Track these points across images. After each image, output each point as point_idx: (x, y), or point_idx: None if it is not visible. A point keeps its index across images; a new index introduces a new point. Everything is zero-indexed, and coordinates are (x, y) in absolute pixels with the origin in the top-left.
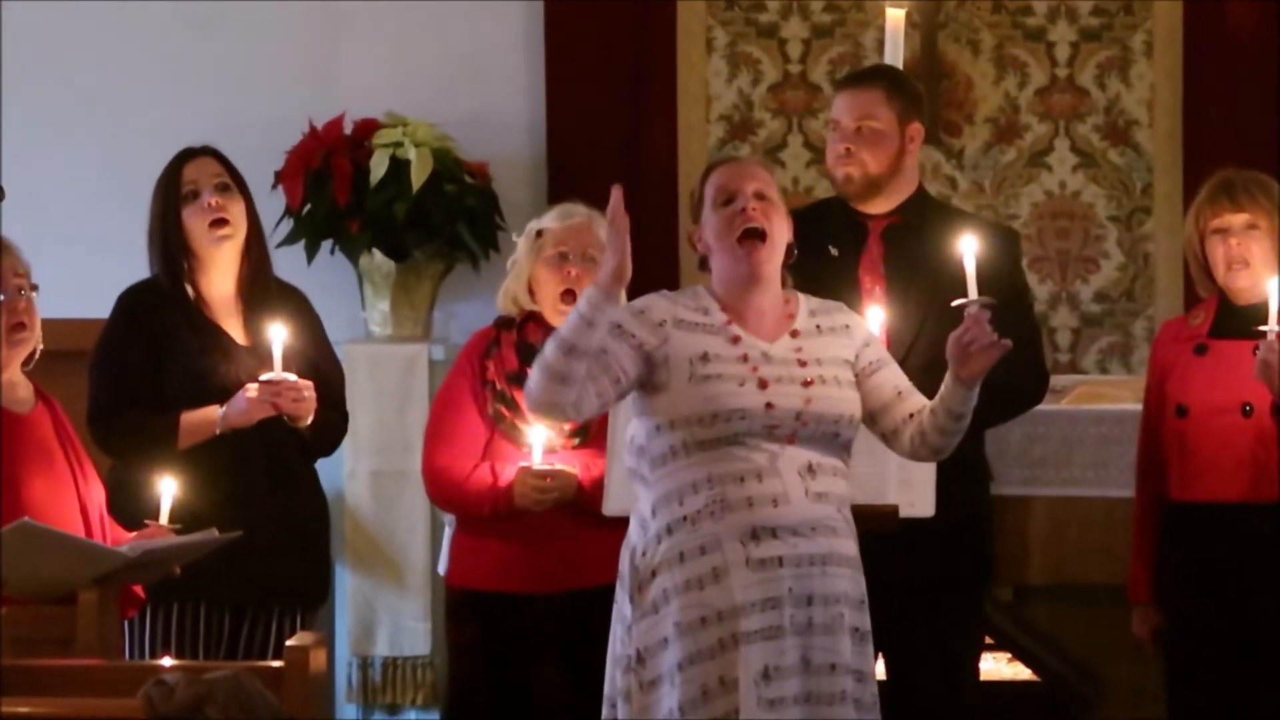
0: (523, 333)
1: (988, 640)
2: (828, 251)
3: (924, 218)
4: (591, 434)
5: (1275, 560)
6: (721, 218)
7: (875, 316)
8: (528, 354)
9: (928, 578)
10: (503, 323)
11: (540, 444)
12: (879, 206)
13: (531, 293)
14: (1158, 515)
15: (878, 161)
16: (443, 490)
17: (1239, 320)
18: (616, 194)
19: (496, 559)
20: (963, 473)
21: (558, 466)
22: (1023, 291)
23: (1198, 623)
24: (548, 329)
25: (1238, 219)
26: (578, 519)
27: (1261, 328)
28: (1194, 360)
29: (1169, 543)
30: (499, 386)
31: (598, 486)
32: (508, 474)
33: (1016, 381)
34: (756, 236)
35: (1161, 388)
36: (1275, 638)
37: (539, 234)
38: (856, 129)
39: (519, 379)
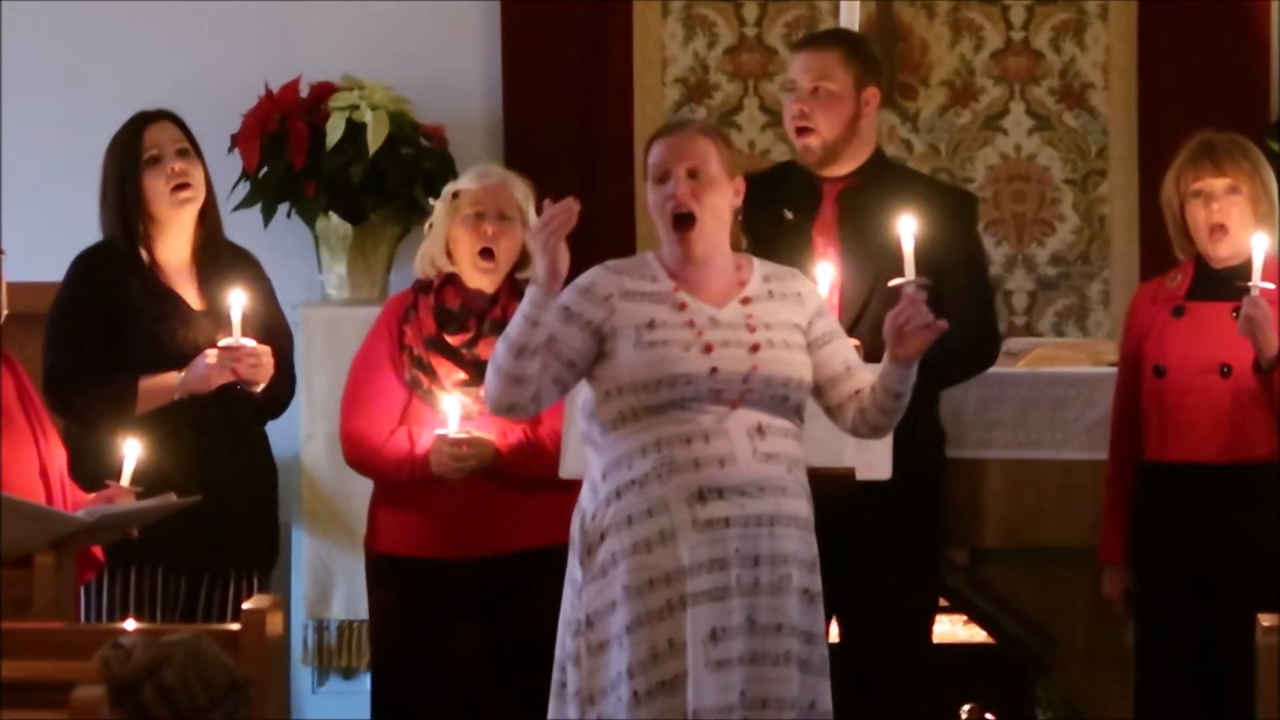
0: (440, 296)
1: (943, 603)
2: (783, 214)
3: (880, 180)
4: None
5: (1251, 520)
6: (655, 197)
7: (825, 274)
8: (445, 318)
9: (881, 541)
10: (420, 286)
11: (456, 411)
12: (836, 170)
13: (450, 255)
14: (1132, 476)
15: (832, 125)
16: (360, 455)
17: (1217, 282)
18: (554, 209)
19: (415, 525)
20: (916, 435)
21: (474, 434)
22: (978, 254)
23: (1171, 583)
24: (465, 291)
25: (1219, 183)
26: (495, 485)
27: (1246, 284)
28: (1172, 321)
29: (1144, 503)
30: (416, 352)
31: (514, 453)
32: (424, 441)
33: (970, 344)
34: (685, 223)
35: (1138, 349)
36: (1249, 598)
37: (455, 195)
38: (813, 89)
39: (436, 344)
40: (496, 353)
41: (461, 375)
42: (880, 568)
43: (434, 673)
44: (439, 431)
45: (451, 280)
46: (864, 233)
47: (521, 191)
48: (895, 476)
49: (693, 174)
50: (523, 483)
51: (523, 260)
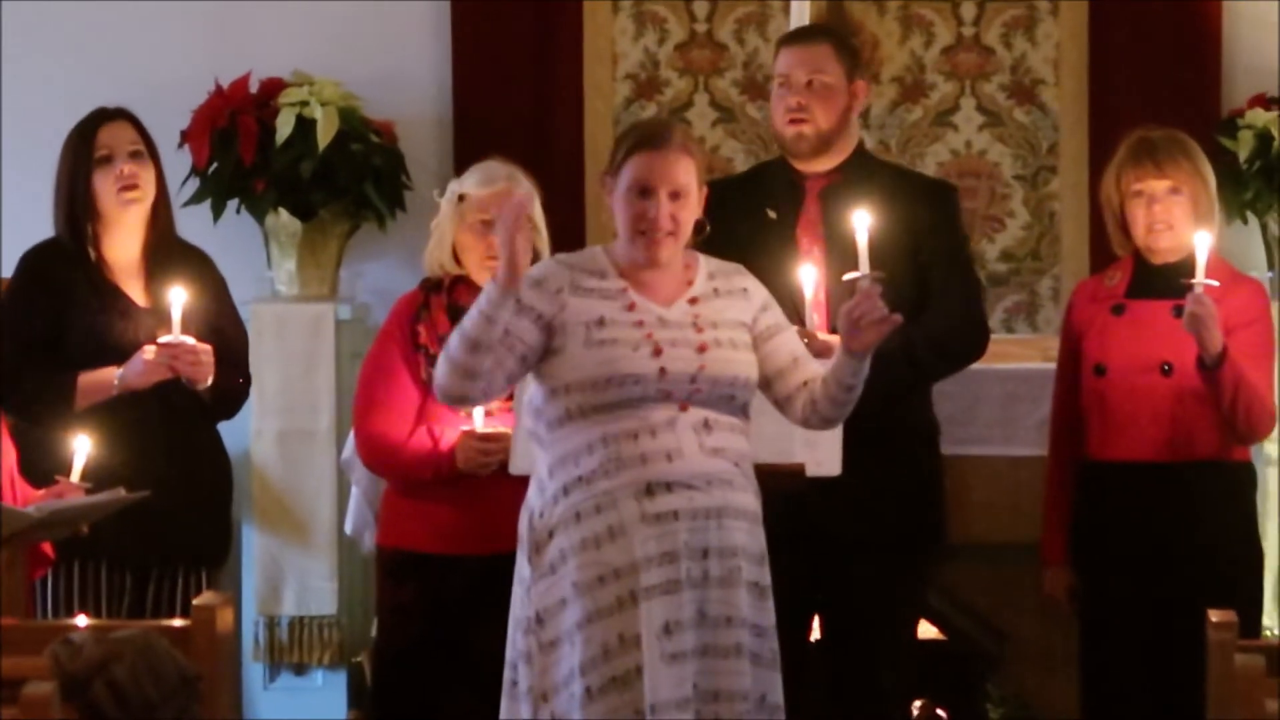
0: (453, 295)
1: None
2: (765, 214)
3: (862, 176)
4: None
5: (1194, 518)
6: (633, 209)
7: (809, 275)
8: (459, 316)
9: (875, 537)
10: (430, 285)
11: (481, 407)
12: (821, 165)
13: (455, 257)
14: (1072, 475)
15: (828, 116)
16: (381, 456)
17: (1156, 280)
18: (509, 205)
19: (436, 521)
20: (913, 434)
21: (500, 429)
22: (961, 246)
23: (1114, 582)
24: (477, 291)
25: (1160, 184)
26: (517, 481)
27: (1189, 281)
28: (1111, 320)
29: (1086, 502)
30: (432, 350)
31: None
32: (448, 437)
33: (957, 337)
34: (660, 246)
35: (1078, 347)
36: (1191, 597)
37: (461, 198)
38: (808, 82)
39: None
40: (450, 345)
41: None
42: (873, 563)
43: (455, 668)
44: (464, 428)
45: (463, 279)
46: (847, 230)
47: (526, 190)
48: (891, 472)
49: (675, 196)
50: None
51: (532, 262)
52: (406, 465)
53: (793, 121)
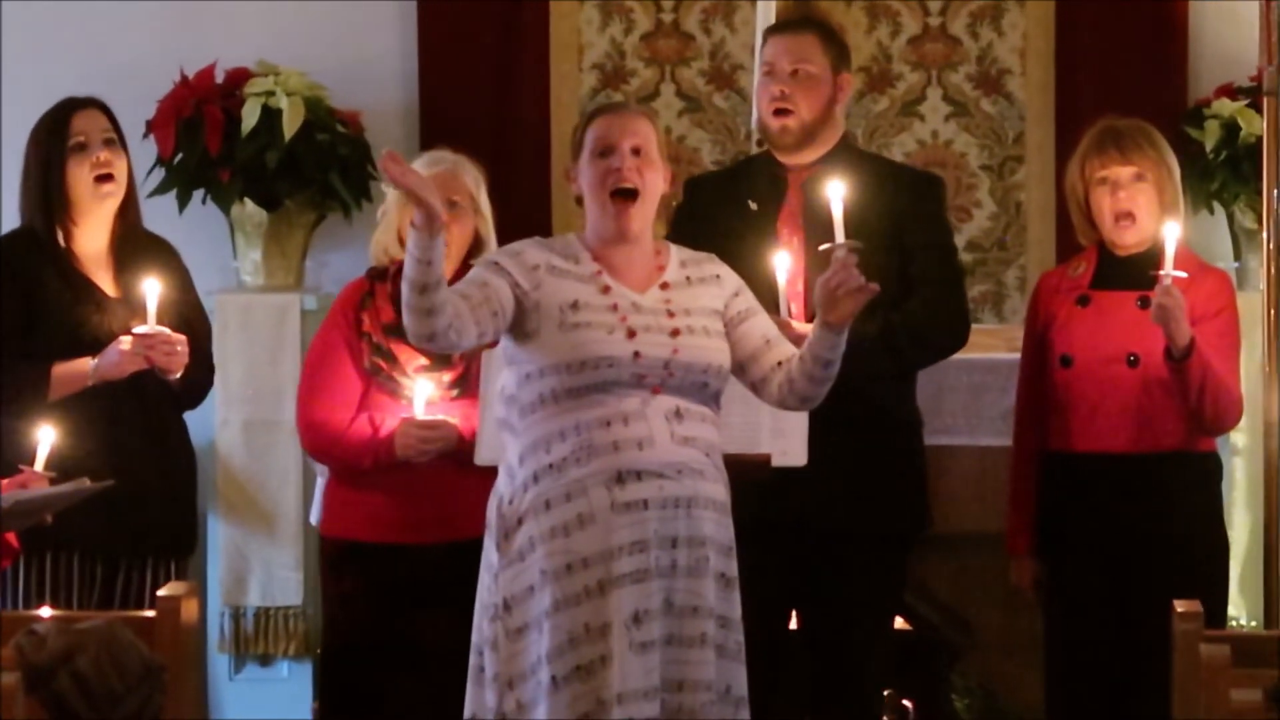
0: (397, 284)
1: None
2: (747, 205)
3: (845, 167)
4: (470, 385)
5: (1158, 510)
6: (596, 170)
7: (783, 262)
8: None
9: (858, 528)
10: (375, 274)
11: (423, 396)
12: (804, 157)
13: (402, 242)
14: (1038, 466)
15: (812, 107)
16: (321, 443)
17: (1121, 271)
18: (385, 161)
19: (377, 510)
20: (897, 425)
21: (440, 418)
22: (945, 237)
23: (1079, 573)
24: None
25: (1125, 171)
26: (459, 469)
27: (1157, 273)
28: (1077, 311)
29: (1051, 493)
30: (375, 339)
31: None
32: (388, 425)
33: (940, 327)
34: (627, 196)
35: (1043, 338)
36: (1157, 587)
37: None
38: (793, 71)
39: (396, 330)
40: (403, 294)
41: (423, 361)
42: (860, 554)
43: (401, 657)
44: (405, 415)
45: None
46: (829, 221)
47: (472, 177)
48: (875, 463)
49: (636, 151)
50: (484, 467)
51: (476, 246)
52: (346, 452)
53: (777, 113)
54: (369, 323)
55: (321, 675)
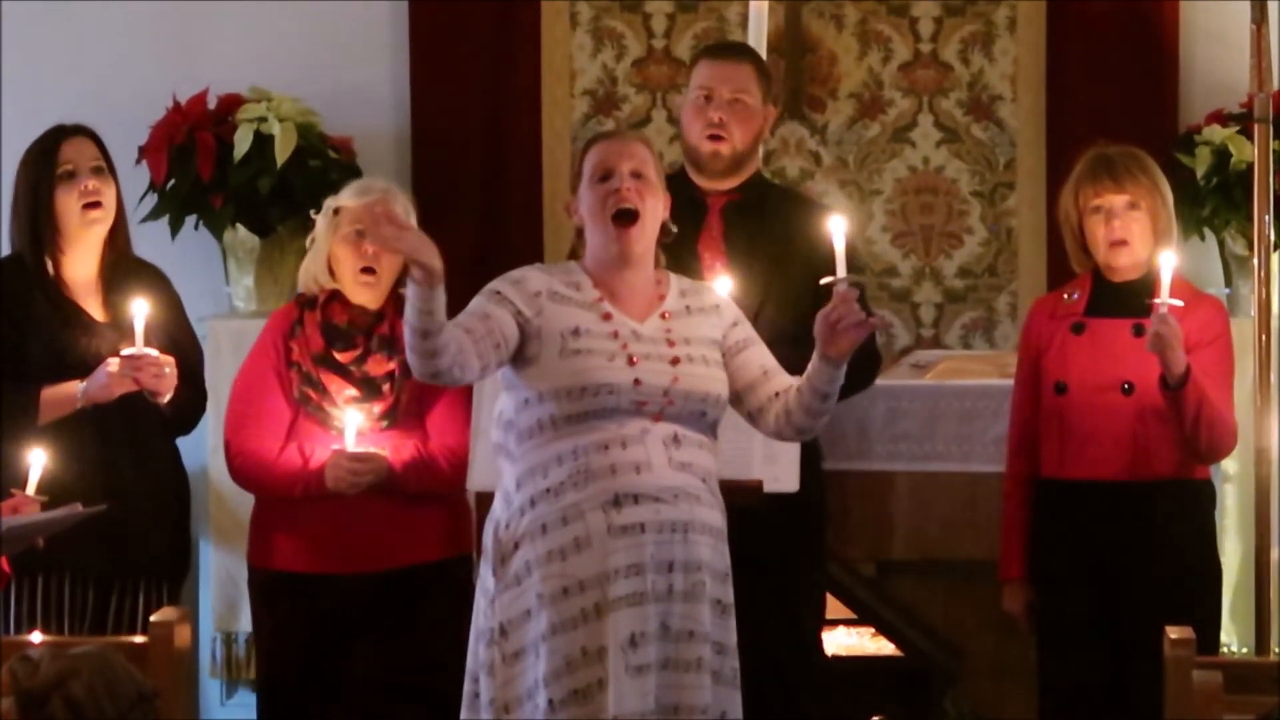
0: (327, 312)
1: (850, 615)
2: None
3: (763, 198)
4: (399, 416)
5: (1152, 537)
6: (597, 194)
7: (724, 287)
8: (332, 334)
9: (763, 556)
10: (305, 301)
11: (353, 427)
12: (725, 183)
13: (331, 271)
14: (1031, 492)
15: (744, 137)
16: (250, 472)
17: (1116, 298)
18: (369, 213)
19: (306, 540)
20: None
21: (370, 449)
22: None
23: (1072, 599)
24: (351, 308)
25: (1119, 199)
26: (388, 501)
27: (1153, 301)
28: (1071, 338)
29: (1045, 520)
30: (305, 368)
31: (408, 468)
32: (318, 456)
33: (853, 363)
34: (628, 218)
35: (1036, 365)
36: (1149, 614)
37: (336, 211)
38: (732, 100)
39: (325, 360)
40: (405, 338)
41: (353, 392)
42: (766, 582)
43: (332, 688)
44: (335, 447)
45: (336, 296)
46: (750, 249)
47: (402, 205)
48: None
49: (636, 174)
50: (414, 498)
51: (404, 275)
52: (275, 482)
53: (712, 138)
54: (298, 352)
55: (260, 707)
